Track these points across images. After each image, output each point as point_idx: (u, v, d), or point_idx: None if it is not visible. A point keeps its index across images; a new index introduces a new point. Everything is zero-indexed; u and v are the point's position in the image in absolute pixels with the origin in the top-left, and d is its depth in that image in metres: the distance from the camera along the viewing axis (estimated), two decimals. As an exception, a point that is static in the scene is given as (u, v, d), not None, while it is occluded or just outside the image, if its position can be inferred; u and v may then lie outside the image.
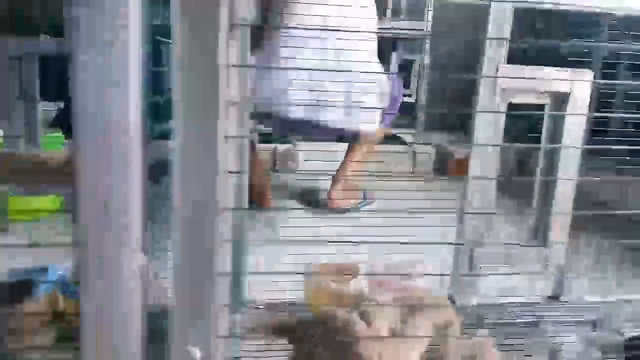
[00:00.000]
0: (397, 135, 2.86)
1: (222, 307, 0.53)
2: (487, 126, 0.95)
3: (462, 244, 0.97)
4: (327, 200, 1.98)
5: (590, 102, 0.97)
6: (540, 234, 1.00)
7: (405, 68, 3.21)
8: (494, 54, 0.93)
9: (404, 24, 2.96)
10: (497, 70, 0.93)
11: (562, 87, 0.96)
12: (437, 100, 3.10)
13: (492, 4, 0.91)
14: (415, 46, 3.11)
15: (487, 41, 0.92)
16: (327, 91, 1.74)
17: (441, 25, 2.96)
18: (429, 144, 2.78)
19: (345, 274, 0.91)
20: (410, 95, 3.07)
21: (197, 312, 0.51)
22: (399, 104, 2.07)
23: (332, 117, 1.82)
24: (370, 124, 1.91)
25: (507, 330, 0.99)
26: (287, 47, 1.77)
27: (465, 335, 0.82)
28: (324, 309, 0.75)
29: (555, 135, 0.98)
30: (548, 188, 0.99)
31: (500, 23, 0.92)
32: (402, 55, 3.21)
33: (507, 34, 0.92)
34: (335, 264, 0.95)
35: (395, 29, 2.91)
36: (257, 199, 1.88)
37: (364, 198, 2.02)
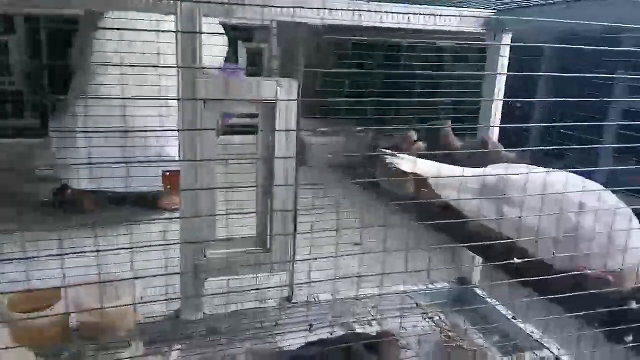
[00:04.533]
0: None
1: None
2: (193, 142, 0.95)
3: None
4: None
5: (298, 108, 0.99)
6: (265, 238, 1.01)
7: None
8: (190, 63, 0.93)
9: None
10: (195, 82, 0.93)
11: (269, 96, 0.97)
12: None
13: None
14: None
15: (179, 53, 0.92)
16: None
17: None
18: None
19: (41, 302, 0.88)
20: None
21: None
22: None
23: None
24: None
25: (239, 337, 1.00)
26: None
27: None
28: None
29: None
30: (267, 193, 1.00)
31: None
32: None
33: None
34: (33, 290, 0.92)
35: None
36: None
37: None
